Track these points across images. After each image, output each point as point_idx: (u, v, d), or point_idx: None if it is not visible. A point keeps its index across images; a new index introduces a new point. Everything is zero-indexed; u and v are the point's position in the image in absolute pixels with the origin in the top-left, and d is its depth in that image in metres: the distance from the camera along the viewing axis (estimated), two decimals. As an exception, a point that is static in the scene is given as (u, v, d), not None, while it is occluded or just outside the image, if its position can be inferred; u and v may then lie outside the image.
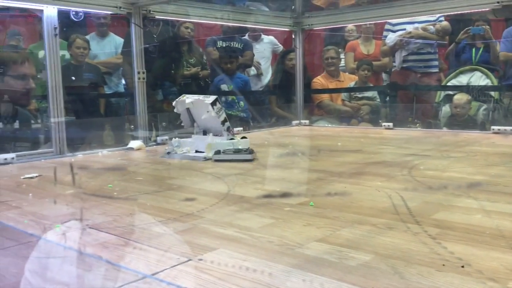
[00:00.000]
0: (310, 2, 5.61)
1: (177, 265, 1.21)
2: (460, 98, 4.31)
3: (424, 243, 1.33)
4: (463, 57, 4.60)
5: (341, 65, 5.26)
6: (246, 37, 5.15)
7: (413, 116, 4.79)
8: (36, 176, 2.44)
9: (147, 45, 4.08)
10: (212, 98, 3.02)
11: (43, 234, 1.49)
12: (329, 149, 3.28)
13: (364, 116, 4.96)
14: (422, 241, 1.34)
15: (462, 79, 4.51)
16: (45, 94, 3.25)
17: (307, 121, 5.03)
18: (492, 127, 3.88)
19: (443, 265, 1.17)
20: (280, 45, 5.39)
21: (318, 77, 5.18)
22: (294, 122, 5.04)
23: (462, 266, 1.16)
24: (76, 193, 2.06)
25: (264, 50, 5.29)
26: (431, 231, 1.42)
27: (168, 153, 3.04)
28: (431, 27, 4.72)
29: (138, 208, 1.78)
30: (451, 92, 4.51)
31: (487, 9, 3.84)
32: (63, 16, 3.29)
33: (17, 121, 3.40)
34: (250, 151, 2.82)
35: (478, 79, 4.42)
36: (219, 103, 3.05)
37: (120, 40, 4.43)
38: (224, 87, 4.69)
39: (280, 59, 5.30)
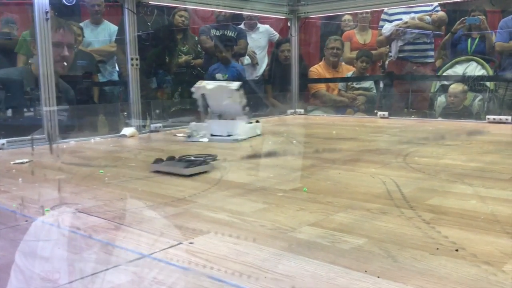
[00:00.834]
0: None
1: (168, 248, 1.19)
2: (456, 87, 4.30)
3: (418, 227, 1.31)
4: (459, 47, 4.59)
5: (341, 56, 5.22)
6: (242, 26, 5.09)
7: (408, 106, 4.78)
8: (27, 162, 2.41)
9: (141, 33, 4.03)
10: (236, 84, 3.18)
11: (32, 217, 1.46)
12: (324, 137, 3.26)
13: (360, 106, 4.94)
14: (416, 225, 1.33)
15: (458, 69, 4.49)
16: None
17: (302, 110, 5.01)
18: (487, 116, 3.87)
19: (437, 248, 1.15)
20: (276, 33, 5.34)
21: (316, 66, 5.15)
22: (289, 111, 5.01)
23: (456, 250, 1.14)
24: (67, 178, 2.03)
25: (259, 39, 5.24)
26: (425, 216, 1.40)
27: (189, 136, 3.13)
28: (428, 17, 4.69)
29: (129, 193, 1.76)
30: (446, 82, 4.49)
31: (484, -2, 3.81)
32: (55, 3, 3.24)
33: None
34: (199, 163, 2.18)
35: (474, 69, 4.40)
36: (242, 89, 3.19)
37: (114, 28, 4.37)
38: (219, 76, 4.65)
39: (275, 49, 5.26)
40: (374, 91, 4.97)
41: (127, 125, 3.54)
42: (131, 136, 3.37)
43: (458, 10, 4.67)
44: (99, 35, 4.44)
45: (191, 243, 1.22)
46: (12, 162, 2.40)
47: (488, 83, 4.36)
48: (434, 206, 1.51)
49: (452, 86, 4.35)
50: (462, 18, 4.50)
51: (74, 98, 3.68)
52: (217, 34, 4.83)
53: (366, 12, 5.04)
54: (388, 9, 4.80)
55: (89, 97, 4.13)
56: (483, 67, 4.40)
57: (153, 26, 4.42)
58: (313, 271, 1.05)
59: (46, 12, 3.02)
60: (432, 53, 4.81)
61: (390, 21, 4.83)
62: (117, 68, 4.44)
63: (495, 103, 4.32)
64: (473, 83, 4.34)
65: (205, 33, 4.81)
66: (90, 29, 4.36)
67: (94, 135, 3.35)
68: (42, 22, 3.03)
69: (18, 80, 3.46)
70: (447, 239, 1.21)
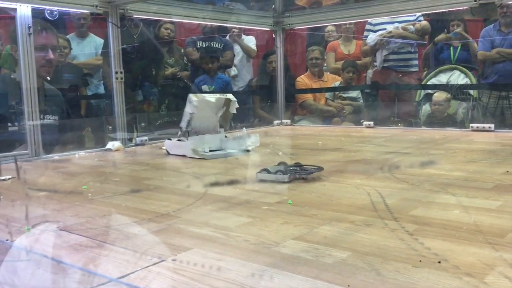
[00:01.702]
0: (293, 1, 5.60)
1: (149, 266, 1.17)
2: (440, 95, 4.35)
3: (402, 239, 1.31)
4: (441, 56, 4.64)
5: (323, 65, 5.26)
6: (228, 37, 5.11)
7: (394, 115, 4.81)
8: (9, 178, 2.37)
9: (126, 46, 4.02)
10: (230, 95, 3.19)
11: (12, 237, 1.44)
12: (310, 148, 3.26)
13: (347, 115, 4.97)
14: (399, 237, 1.33)
15: (442, 78, 4.55)
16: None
17: (288, 121, 5.02)
18: (471, 124, 3.91)
19: (420, 261, 1.15)
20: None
21: (302, 76, 5.17)
22: (276, 121, 5.02)
23: (439, 262, 1.14)
24: (49, 195, 2.00)
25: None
26: (409, 227, 1.41)
27: (202, 153, 2.92)
28: (411, 26, 4.75)
29: (113, 209, 1.74)
30: (430, 91, 4.54)
31: (465, 7, 3.87)
32: (38, 17, 3.22)
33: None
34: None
35: (457, 77, 4.46)
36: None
37: (100, 41, 4.36)
38: (205, 87, 4.65)
39: (262, 60, 5.28)
40: (361, 101, 5.01)
41: (113, 139, 3.52)
42: (117, 150, 3.34)
43: (440, 20, 4.75)
44: (85, 48, 4.42)
45: (173, 260, 1.21)
46: (-6, 179, 2.36)
47: (471, 91, 4.42)
48: (417, 217, 1.51)
49: (435, 94, 4.40)
50: (443, 35, 4.57)
51: (63, 103, 3.62)
52: (203, 45, 4.84)
53: (350, 23, 5.09)
54: (372, 19, 4.85)
55: (75, 111, 4.10)
56: (466, 75, 4.46)
57: (138, 39, 4.42)
58: (296, 286, 1.04)
59: (29, 27, 3.00)
60: (416, 62, 4.87)
61: (375, 31, 4.89)
62: (101, 82, 4.42)
63: (479, 111, 4.37)
64: (457, 92, 4.39)
65: (191, 45, 4.82)
66: (76, 42, 4.35)
67: (79, 150, 3.32)
68: (25, 36, 3.01)
69: (2, 93, 3.41)
70: (430, 251, 1.21)
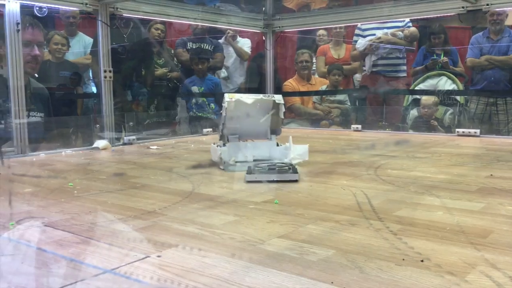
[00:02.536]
0: (282, 4, 5.62)
1: (134, 261, 1.17)
2: (428, 99, 4.41)
3: (386, 238, 1.32)
4: (426, 62, 4.67)
5: (312, 68, 5.29)
6: (223, 40, 5.11)
7: (382, 120, 4.85)
8: (-6, 175, 2.35)
9: (116, 45, 4.01)
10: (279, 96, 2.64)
11: (-5, 232, 1.42)
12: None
13: (335, 119, 5.00)
14: (383, 237, 1.34)
15: (430, 84, 4.60)
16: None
17: (277, 124, 5.01)
18: (457, 129, 3.96)
19: (403, 259, 1.17)
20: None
21: (290, 80, 5.19)
22: (264, 124, 5.01)
23: (422, 261, 1.16)
24: (34, 192, 1.99)
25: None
26: (393, 227, 1.42)
27: (231, 165, 2.50)
28: (400, 32, 4.80)
29: (98, 206, 1.73)
30: (418, 97, 4.59)
31: (453, 13, 3.93)
32: (27, 13, 3.20)
33: None
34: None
35: (445, 83, 4.52)
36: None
37: (89, 40, 4.34)
38: (195, 88, 4.65)
39: (253, 63, 5.29)
40: (349, 104, 5.04)
41: (100, 137, 3.50)
42: (104, 149, 3.33)
43: (428, 26, 4.80)
44: (74, 47, 4.40)
45: (158, 256, 1.21)
46: (-22, 176, 2.34)
47: (458, 97, 4.48)
48: (402, 217, 1.53)
49: (424, 97, 4.46)
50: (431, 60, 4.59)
51: (49, 99, 3.60)
52: (193, 47, 4.84)
53: (340, 27, 5.12)
54: (361, 24, 4.90)
55: (70, 109, 4.09)
56: (454, 81, 4.51)
57: (128, 38, 4.41)
58: (280, 283, 1.05)
59: (17, 24, 2.98)
60: (404, 67, 4.92)
61: (364, 36, 4.93)
62: (91, 80, 4.40)
63: (465, 116, 4.43)
64: (444, 97, 4.44)
65: (181, 46, 4.81)
66: (65, 41, 4.32)
67: (66, 148, 3.30)
68: (13, 33, 2.98)
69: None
70: (413, 250, 1.23)
